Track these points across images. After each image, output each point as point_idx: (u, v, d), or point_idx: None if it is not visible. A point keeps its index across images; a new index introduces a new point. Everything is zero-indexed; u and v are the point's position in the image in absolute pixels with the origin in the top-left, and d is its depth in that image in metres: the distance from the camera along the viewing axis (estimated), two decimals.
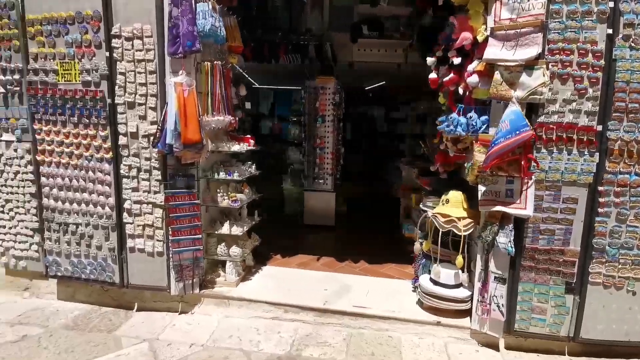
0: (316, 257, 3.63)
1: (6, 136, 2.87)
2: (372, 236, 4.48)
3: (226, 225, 2.89)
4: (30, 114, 2.79)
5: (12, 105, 2.83)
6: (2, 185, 2.93)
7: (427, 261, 2.87)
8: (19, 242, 2.97)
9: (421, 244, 2.89)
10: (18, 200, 2.92)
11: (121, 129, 2.64)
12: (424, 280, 2.69)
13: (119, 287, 2.83)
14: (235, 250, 2.89)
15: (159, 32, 2.53)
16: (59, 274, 2.91)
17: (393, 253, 3.72)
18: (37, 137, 2.79)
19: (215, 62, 2.67)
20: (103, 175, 2.72)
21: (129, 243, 2.75)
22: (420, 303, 2.73)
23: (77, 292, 3.02)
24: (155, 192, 2.68)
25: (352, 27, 4.82)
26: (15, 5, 2.70)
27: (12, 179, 2.91)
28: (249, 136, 3.10)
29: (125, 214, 2.73)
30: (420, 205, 2.97)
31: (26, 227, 2.94)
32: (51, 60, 2.68)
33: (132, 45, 2.55)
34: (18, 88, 2.79)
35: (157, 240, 2.72)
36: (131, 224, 2.73)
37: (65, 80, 2.68)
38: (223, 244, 2.93)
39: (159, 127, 2.52)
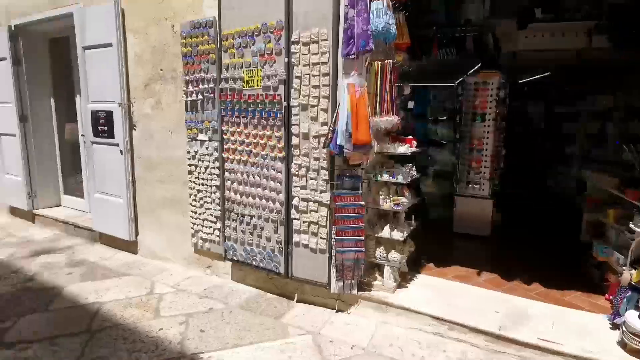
0: (476, 271, 3.27)
1: (201, 136, 3.37)
2: (541, 253, 3.83)
3: (386, 229, 2.81)
4: (220, 117, 3.21)
5: (206, 110, 3.31)
6: (195, 178, 3.47)
7: (635, 294, 2.28)
8: (206, 227, 3.47)
9: (631, 273, 2.29)
10: (207, 191, 3.41)
11: (294, 129, 2.81)
12: (633, 318, 2.12)
13: (284, 277, 3.03)
14: (394, 255, 2.79)
15: (334, 35, 2.59)
16: (235, 258, 3.29)
17: (575, 277, 3.09)
18: (224, 137, 3.19)
19: (385, 61, 2.60)
20: (275, 173, 2.94)
21: (295, 238, 2.92)
22: (622, 344, 2.16)
23: (247, 276, 3.37)
24: (322, 191, 2.76)
25: (520, 12, 4.21)
26: (214, 24, 3.13)
27: (203, 173, 3.41)
28: (410, 137, 2.96)
29: (293, 210, 2.90)
30: (631, 225, 2.36)
31: (211, 215, 3.42)
32: (239, 69, 3.02)
33: (309, 49, 2.67)
34: (212, 95, 3.24)
35: (321, 238, 2.81)
36: (298, 220, 2.89)
37: (249, 86, 2.99)
38: (382, 247, 2.87)
39: (331, 128, 2.58)
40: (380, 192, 2.81)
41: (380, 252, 2.86)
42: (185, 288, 3.33)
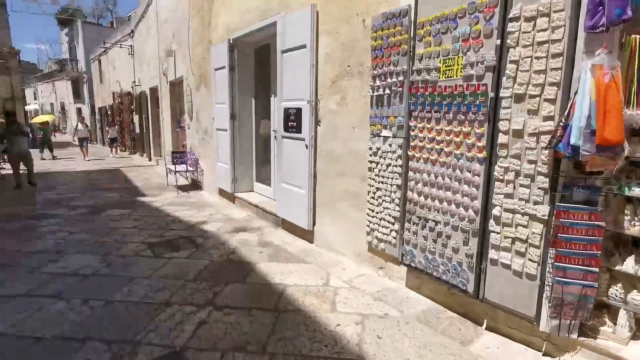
0: None
1: (384, 132, 3.25)
2: None
3: (629, 261, 2.06)
4: (407, 112, 3.00)
5: (392, 105, 3.16)
6: (375, 175, 3.38)
7: None
8: (382, 227, 3.34)
9: None
10: (386, 190, 3.27)
11: (502, 125, 2.34)
12: None
13: (471, 297, 2.61)
14: (637, 297, 2.01)
15: (574, 4, 2.01)
16: (412, 264, 3.05)
17: None
18: (411, 133, 2.97)
19: None
20: (472, 176, 2.54)
21: (492, 254, 2.46)
22: None
23: (423, 285, 3.09)
24: (536, 203, 2.22)
25: None
26: (409, 13, 2.93)
27: (383, 170, 3.28)
28: None
29: (491, 221, 2.44)
30: None
31: (389, 215, 3.26)
32: (434, 58, 2.73)
33: (533, 25, 2.16)
34: (400, 89, 3.06)
35: (530, 260, 2.27)
36: (497, 233, 2.42)
37: (445, 77, 2.67)
38: (619, 284, 2.12)
39: (561, 124, 2.02)
40: (626, 211, 2.07)
41: (616, 290, 2.12)
42: (359, 286, 3.29)
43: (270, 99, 5.61)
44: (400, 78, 3.04)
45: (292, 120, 4.42)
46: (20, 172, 8.01)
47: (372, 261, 3.57)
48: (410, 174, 3.01)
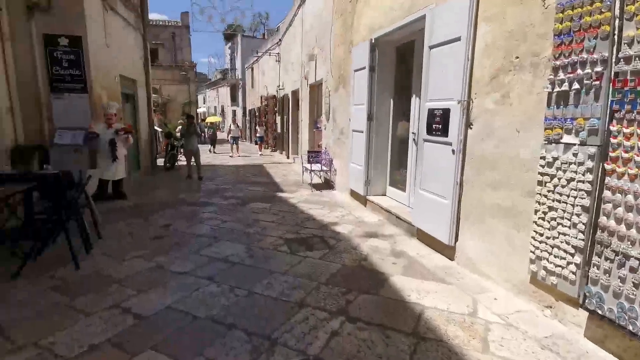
0: None
1: (567, 138, 2.57)
2: None
3: None
4: (607, 113, 2.29)
5: (582, 103, 2.46)
6: (548, 191, 2.71)
7: None
8: (555, 256, 2.67)
9: None
10: (564, 210, 2.59)
11: None
12: None
13: None
14: None
15: None
16: (598, 311, 2.32)
17: None
18: (611, 140, 2.25)
19: None
20: None
21: None
22: None
23: (609, 338, 2.33)
24: None
25: None
26: None
27: (562, 186, 2.60)
28: None
29: None
30: None
31: (566, 243, 2.58)
32: None
33: None
34: (597, 82, 2.36)
35: None
36: None
37: None
38: None
39: None
40: None
41: None
42: (517, 325, 2.70)
43: (410, 100, 5.26)
44: (598, 69, 2.34)
45: (437, 122, 3.99)
46: (191, 165, 9.63)
47: (535, 296, 2.91)
48: (607, 193, 2.29)
